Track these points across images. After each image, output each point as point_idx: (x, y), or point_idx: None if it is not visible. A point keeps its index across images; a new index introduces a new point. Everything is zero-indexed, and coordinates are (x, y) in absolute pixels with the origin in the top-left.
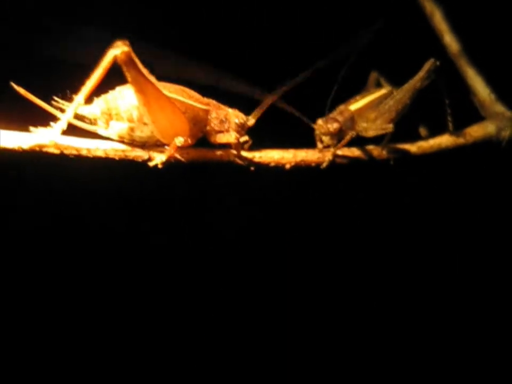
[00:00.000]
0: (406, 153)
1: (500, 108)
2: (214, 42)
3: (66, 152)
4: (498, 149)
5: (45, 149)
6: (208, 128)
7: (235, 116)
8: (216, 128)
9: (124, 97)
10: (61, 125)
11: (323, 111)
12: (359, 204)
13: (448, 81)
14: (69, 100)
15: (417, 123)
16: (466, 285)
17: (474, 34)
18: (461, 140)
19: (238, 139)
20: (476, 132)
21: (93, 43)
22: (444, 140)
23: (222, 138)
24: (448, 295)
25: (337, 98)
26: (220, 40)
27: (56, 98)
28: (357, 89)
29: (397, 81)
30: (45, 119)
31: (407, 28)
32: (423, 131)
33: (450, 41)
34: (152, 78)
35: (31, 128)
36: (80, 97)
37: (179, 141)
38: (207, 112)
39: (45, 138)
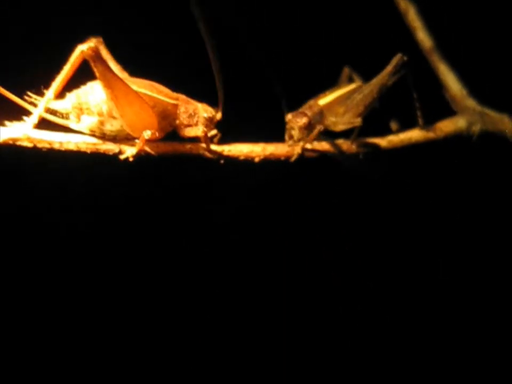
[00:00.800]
0: (376, 147)
1: (471, 102)
2: None
3: (39, 145)
4: (469, 143)
5: (18, 142)
6: (177, 122)
7: (204, 110)
8: (185, 122)
9: (94, 92)
10: (33, 119)
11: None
12: (332, 198)
13: (421, 77)
14: (42, 95)
15: (388, 117)
16: (452, 284)
17: (447, 31)
18: (431, 134)
19: (205, 133)
20: (446, 126)
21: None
22: (414, 134)
23: (190, 132)
24: (437, 294)
25: (312, 93)
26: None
27: (29, 93)
28: (332, 84)
29: (371, 77)
30: (22, 113)
31: (382, 24)
32: (394, 125)
33: (423, 37)
34: (121, 73)
35: (6, 123)
36: (50, 92)
37: (147, 134)
38: (176, 106)
39: (18, 132)
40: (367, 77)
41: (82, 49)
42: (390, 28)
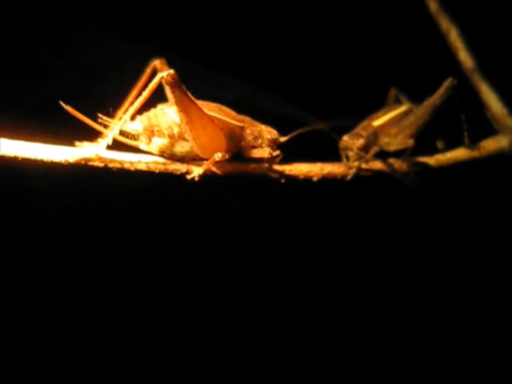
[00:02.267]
0: (424, 165)
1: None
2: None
3: (110, 165)
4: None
5: (90, 163)
6: (243, 143)
7: (268, 132)
8: (251, 144)
9: (166, 115)
10: (107, 140)
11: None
12: (374, 216)
13: (463, 96)
14: (111, 116)
15: (435, 137)
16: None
17: (488, 51)
18: (475, 153)
19: (271, 154)
20: (489, 145)
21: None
22: (460, 153)
23: (256, 153)
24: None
25: (357, 113)
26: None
27: (100, 115)
28: (374, 104)
29: (414, 96)
30: (86, 133)
31: (424, 44)
32: (440, 144)
33: (464, 57)
34: (193, 98)
35: (77, 143)
36: (127, 115)
37: (218, 156)
38: (242, 128)
39: (90, 152)
40: (411, 97)
41: (162, 75)
42: (432, 48)
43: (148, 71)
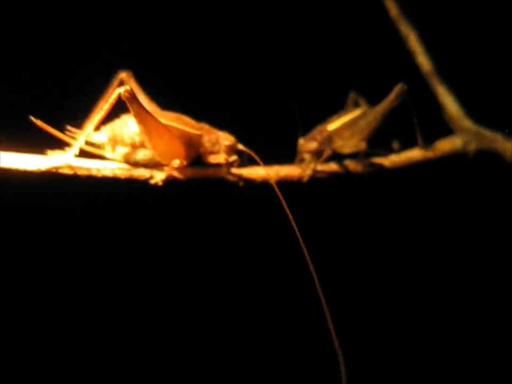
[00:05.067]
0: (379, 166)
1: (467, 123)
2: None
3: (79, 172)
4: (466, 161)
5: (60, 170)
6: (201, 150)
7: (225, 139)
8: (208, 150)
9: (127, 125)
10: (74, 150)
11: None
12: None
13: (422, 98)
14: (80, 127)
15: (390, 138)
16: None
17: (446, 54)
18: (430, 154)
19: (227, 160)
20: (444, 146)
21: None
22: (414, 154)
23: (213, 159)
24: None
25: (319, 116)
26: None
27: (69, 127)
28: (338, 107)
29: (376, 100)
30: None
31: (385, 49)
32: (395, 145)
33: (423, 61)
34: (150, 106)
35: (48, 152)
36: (90, 127)
37: (176, 162)
38: (200, 136)
39: (60, 161)
40: (372, 100)
41: (120, 91)
42: (393, 52)
43: (115, 83)
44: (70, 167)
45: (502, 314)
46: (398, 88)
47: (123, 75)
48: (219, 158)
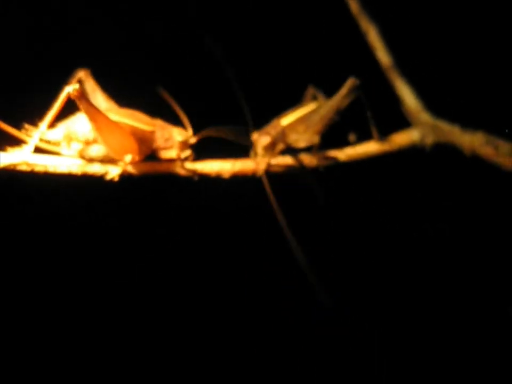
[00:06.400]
0: (335, 159)
1: (424, 115)
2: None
3: (36, 169)
4: (423, 154)
5: (18, 167)
6: (154, 145)
7: (178, 134)
8: (162, 146)
9: (81, 123)
10: (29, 148)
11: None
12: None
13: (381, 91)
14: (37, 126)
15: (346, 130)
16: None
17: (405, 49)
18: (386, 146)
19: (179, 155)
20: (400, 138)
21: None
22: (370, 147)
23: (166, 154)
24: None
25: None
26: None
27: (26, 125)
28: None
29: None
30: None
31: (345, 44)
32: (352, 138)
33: (382, 56)
34: (108, 103)
35: (8, 149)
36: (43, 125)
37: (128, 158)
38: (153, 132)
39: (17, 158)
40: (332, 94)
41: (68, 90)
42: (352, 46)
43: (73, 81)
44: (27, 164)
45: (500, 311)
46: (349, 82)
47: (81, 73)
48: (171, 153)
